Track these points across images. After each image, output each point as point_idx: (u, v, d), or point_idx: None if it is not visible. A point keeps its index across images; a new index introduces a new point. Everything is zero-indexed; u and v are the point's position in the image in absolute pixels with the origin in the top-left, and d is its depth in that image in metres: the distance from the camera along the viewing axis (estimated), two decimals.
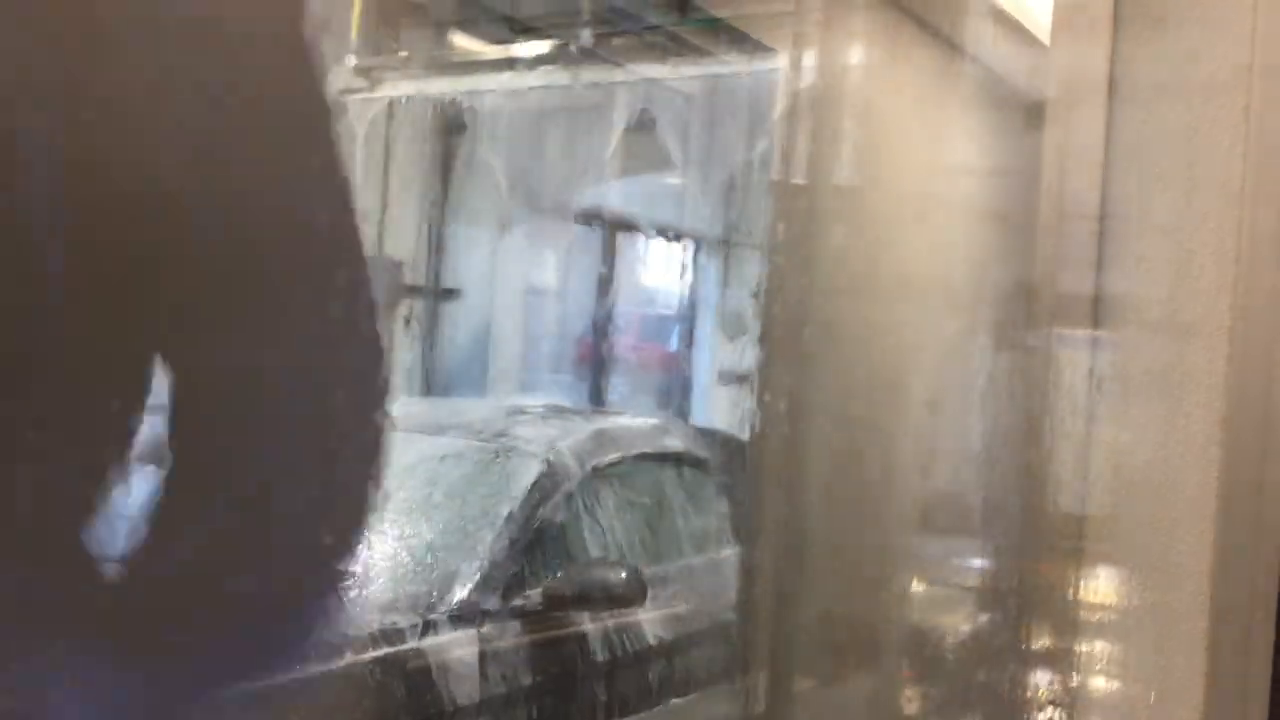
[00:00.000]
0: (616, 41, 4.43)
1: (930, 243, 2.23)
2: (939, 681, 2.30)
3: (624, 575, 3.28)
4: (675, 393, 7.82)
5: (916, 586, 2.21)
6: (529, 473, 3.41)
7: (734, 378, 7.14)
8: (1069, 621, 2.29)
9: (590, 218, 5.92)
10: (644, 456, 3.86)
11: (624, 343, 7.74)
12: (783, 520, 1.88)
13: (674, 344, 8.02)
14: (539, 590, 3.22)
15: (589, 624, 3.31)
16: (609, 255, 6.57)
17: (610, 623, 3.35)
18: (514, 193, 5.48)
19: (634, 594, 3.29)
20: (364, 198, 5.55)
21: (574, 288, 6.64)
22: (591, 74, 4.70)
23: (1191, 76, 1.72)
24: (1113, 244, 1.97)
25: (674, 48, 4.34)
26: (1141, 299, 1.75)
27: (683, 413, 7.55)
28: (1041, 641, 2.22)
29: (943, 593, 2.38)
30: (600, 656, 3.34)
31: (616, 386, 7.08)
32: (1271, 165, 1.26)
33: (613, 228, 6.25)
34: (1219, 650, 1.12)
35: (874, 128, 2.04)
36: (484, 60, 4.94)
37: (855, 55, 1.99)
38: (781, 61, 2.05)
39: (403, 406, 3.94)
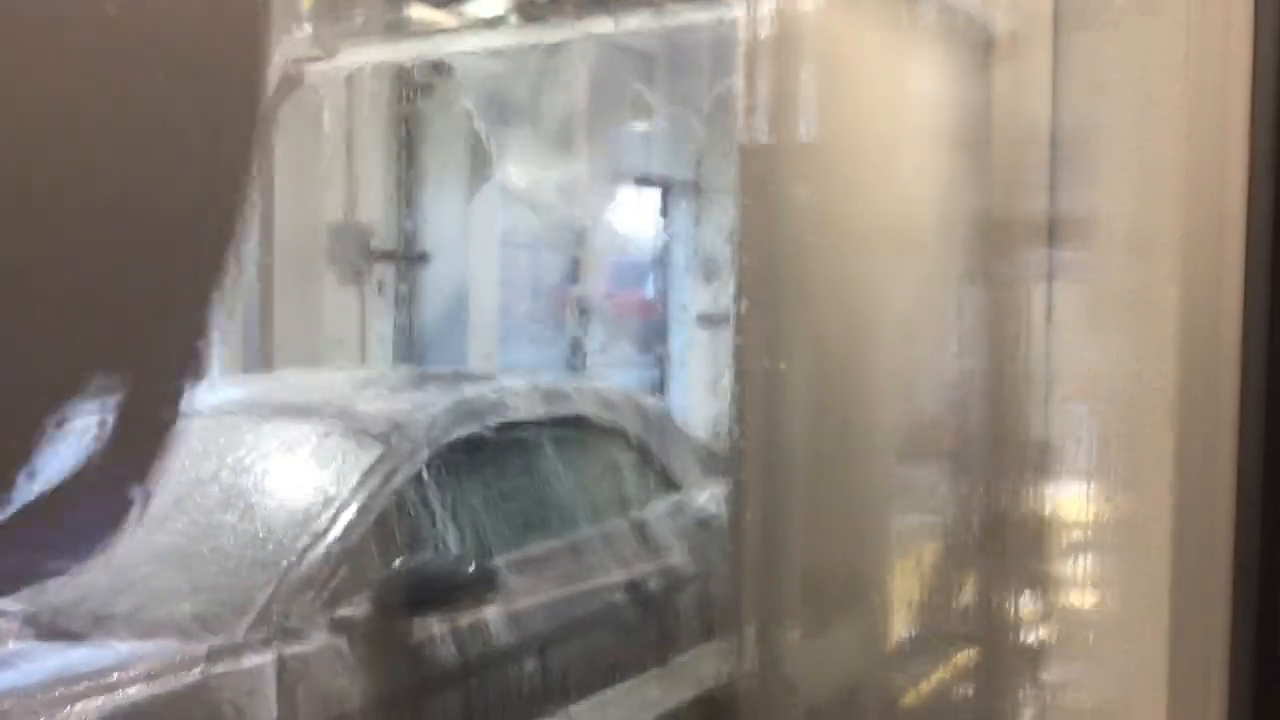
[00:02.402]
0: None
1: (896, 180, 2.27)
2: (923, 610, 2.37)
3: (470, 568, 2.89)
4: (653, 338, 7.86)
5: (900, 517, 2.28)
6: (365, 457, 2.94)
7: (712, 320, 7.18)
8: (1042, 538, 2.36)
9: (560, 169, 5.92)
10: (524, 425, 3.42)
11: (599, 291, 7.76)
12: (766, 465, 1.93)
13: (650, 289, 8.04)
14: (366, 595, 2.71)
15: (435, 628, 2.82)
16: (581, 205, 6.57)
17: (457, 624, 2.85)
18: (484, 151, 5.47)
19: (479, 589, 2.89)
20: (330, 166, 5.52)
21: (548, 240, 6.64)
22: (554, 29, 4.67)
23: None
24: (1070, 167, 2.00)
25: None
26: (1100, 218, 1.79)
27: (660, 358, 7.60)
28: (1016, 560, 2.30)
29: (923, 521, 2.44)
30: (446, 664, 2.84)
31: (594, 336, 7.11)
32: (1213, 85, 1.29)
33: (584, 178, 6.26)
34: (1182, 555, 1.18)
35: (834, 69, 2.07)
36: (445, 21, 4.91)
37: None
38: (740, 9, 2.07)
39: (236, 387, 3.47)
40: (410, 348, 5.96)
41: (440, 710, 2.83)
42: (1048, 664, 2.26)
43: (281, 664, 2.47)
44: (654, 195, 7.48)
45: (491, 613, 2.94)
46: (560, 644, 3.09)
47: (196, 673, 2.33)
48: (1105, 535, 1.49)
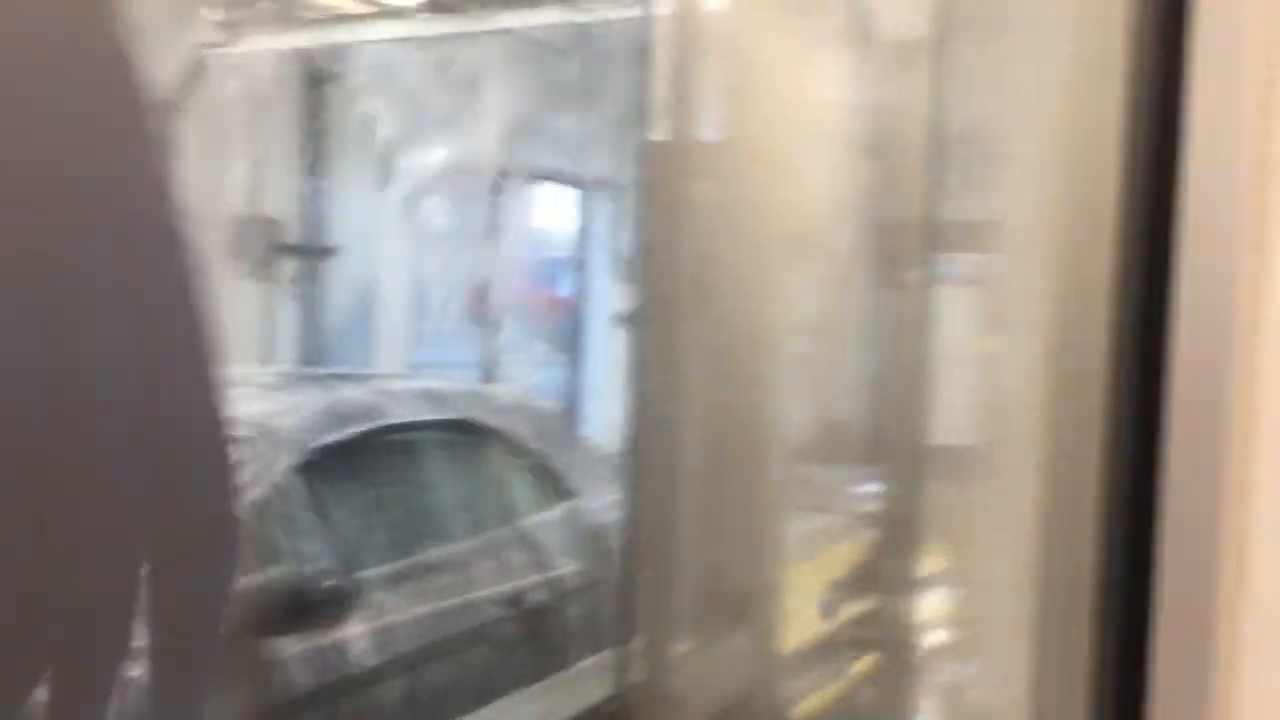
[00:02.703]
0: None
1: (800, 181, 2.23)
2: (819, 618, 2.34)
3: (329, 583, 2.75)
4: (570, 338, 7.79)
5: (798, 523, 2.24)
6: None
7: (627, 319, 7.12)
8: (936, 541, 2.34)
9: (472, 165, 5.82)
10: (403, 429, 3.29)
11: (516, 289, 7.67)
12: (660, 469, 1.88)
13: (567, 288, 7.97)
14: None
15: (290, 648, 2.66)
16: (495, 202, 6.47)
17: (316, 644, 2.70)
18: (391, 143, 5.36)
19: (340, 606, 2.74)
20: (234, 156, 5.35)
21: (460, 237, 6.54)
22: (466, 20, 4.58)
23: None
24: (986, 172, 1.98)
25: None
26: (1012, 224, 1.76)
27: (577, 359, 7.54)
28: (914, 563, 2.27)
29: (821, 526, 2.41)
30: (303, 686, 2.68)
31: (508, 335, 7.02)
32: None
33: (498, 174, 6.16)
34: (1049, 557, 1.17)
35: (740, 68, 2.02)
36: (354, 9, 4.78)
37: None
38: (647, 6, 2.01)
39: None
40: (316, 345, 5.82)
41: None
42: (945, 668, 2.24)
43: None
44: (571, 193, 7.41)
45: (355, 631, 2.78)
46: (433, 662, 2.96)
47: None
48: (985, 536, 1.47)
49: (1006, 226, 1.70)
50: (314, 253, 5.77)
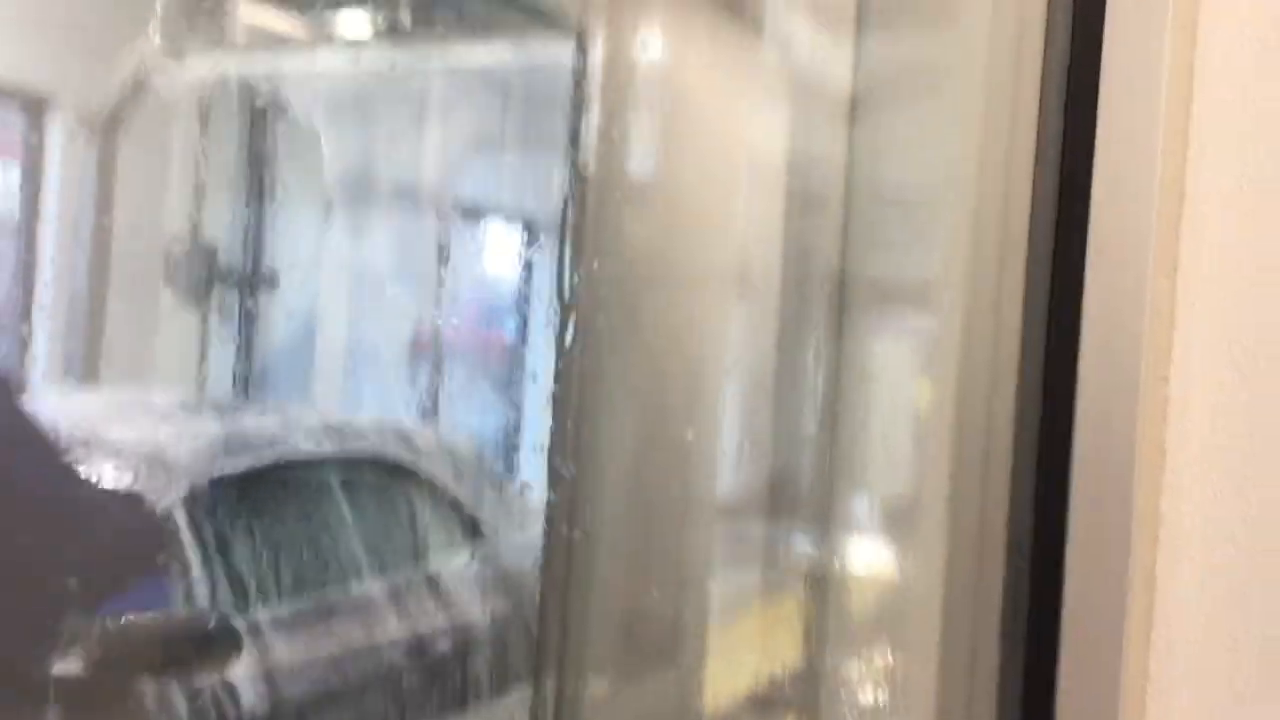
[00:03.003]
0: (435, 21, 4.32)
1: (736, 224, 2.23)
2: (741, 675, 2.30)
3: (211, 623, 2.65)
4: (514, 380, 7.73)
5: (717, 577, 2.21)
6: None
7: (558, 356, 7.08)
8: (863, 597, 2.31)
9: (418, 201, 5.79)
10: (307, 463, 3.20)
11: (460, 330, 7.61)
12: (581, 512, 1.84)
13: (510, 330, 7.92)
14: (85, 651, 2.35)
15: (166, 691, 2.50)
16: (441, 240, 6.44)
17: (196, 687, 2.57)
18: (336, 175, 5.31)
19: (222, 647, 2.63)
20: (175, 180, 5.28)
21: (404, 274, 6.48)
22: (414, 54, 4.57)
23: (989, 69, 1.74)
24: (915, 229, 1.99)
25: (489, 28, 4.25)
26: (951, 280, 1.77)
27: (518, 402, 7.48)
28: (840, 620, 2.25)
29: (744, 580, 2.38)
30: None
31: (450, 375, 6.95)
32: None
33: (442, 212, 6.13)
34: (951, 609, 1.15)
35: (673, 114, 2.02)
36: (300, 38, 4.76)
37: (652, 39, 1.96)
38: (577, 46, 2.01)
39: None
40: (251, 375, 5.71)
41: None
42: None
43: None
44: (516, 232, 7.39)
45: (241, 674, 2.69)
46: (329, 708, 2.85)
47: None
48: (905, 594, 1.46)
49: (930, 282, 1.70)
50: (253, 281, 5.69)
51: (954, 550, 1.13)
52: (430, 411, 6.76)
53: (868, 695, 2.37)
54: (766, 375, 2.32)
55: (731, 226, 2.10)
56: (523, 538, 3.56)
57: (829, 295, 2.34)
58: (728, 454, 2.27)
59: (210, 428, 3.10)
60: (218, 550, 2.81)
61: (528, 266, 7.51)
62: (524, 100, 5.12)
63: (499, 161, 5.76)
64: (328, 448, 3.31)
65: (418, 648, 3.15)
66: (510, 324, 7.75)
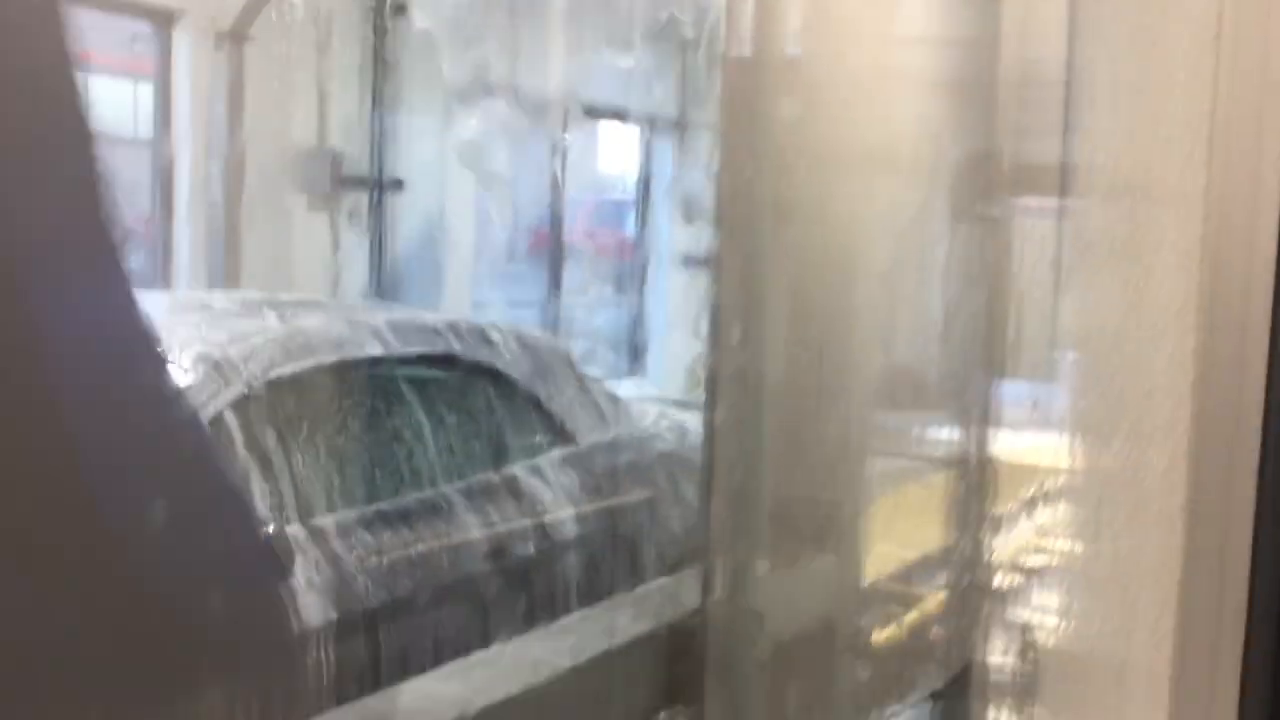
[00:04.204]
0: None
1: (886, 115, 2.15)
2: (902, 553, 2.30)
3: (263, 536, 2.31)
4: (633, 278, 7.74)
5: (878, 461, 2.19)
6: None
7: (692, 261, 7.05)
8: (1035, 488, 2.27)
9: (540, 101, 5.76)
10: (374, 363, 2.96)
11: (579, 229, 7.62)
12: (741, 402, 1.83)
13: (630, 229, 7.91)
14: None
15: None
16: (561, 139, 6.42)
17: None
18: (459, 77, 5.30)
19: (271, 561, 2.31)
20: (300, 88, 5.34)
21: (526, 174, 6.50)
22: None
23: None
24: (1077, 110, 1.90)
25: None
26: (1109, 165, 1.69)
27: (640, 299, 7.49)
28: (998, 503, 2.22)
29: (904, 465, 2.36)
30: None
31: (571, 275, 6.99)
32: (1246, 29, 1.19)
33: (565, 111, 6.10)
34: (1196, 520, 1.08)
35: None
36: None
37: None
38: None
39: None
40: (382, 279, 5.83)
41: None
42: (1029, 605, 2.19)
43: None
44: (636, 132, 7.32)
45: (302, 582, 2.47)
46: (399, 615, 2.68)
47: None
48: (1109, 490, 1.41)
49: (1091, 168, 1.61)
50: (380, 184, 5.76)
51: (1196, 449, 1.07)
52: (554, 309, 6.82)
53: (1017, 577, 2.35)
54: (929, 260, 2.26)
55: (883, 102, 2.03)
56: (616, 436, 3.48)
57: (987, 178, 2.26)
58: (885, 339, 2.23)
59: (268, 328, 2.86)
60: (272, 455, 2.63)
61: (652, 168, 7.45)
62: None
63: (621, 58, 5.68)
64: (395, 348, 3.05)
65: (493, 555, 2.95)
66: (633, 220, 7.74)
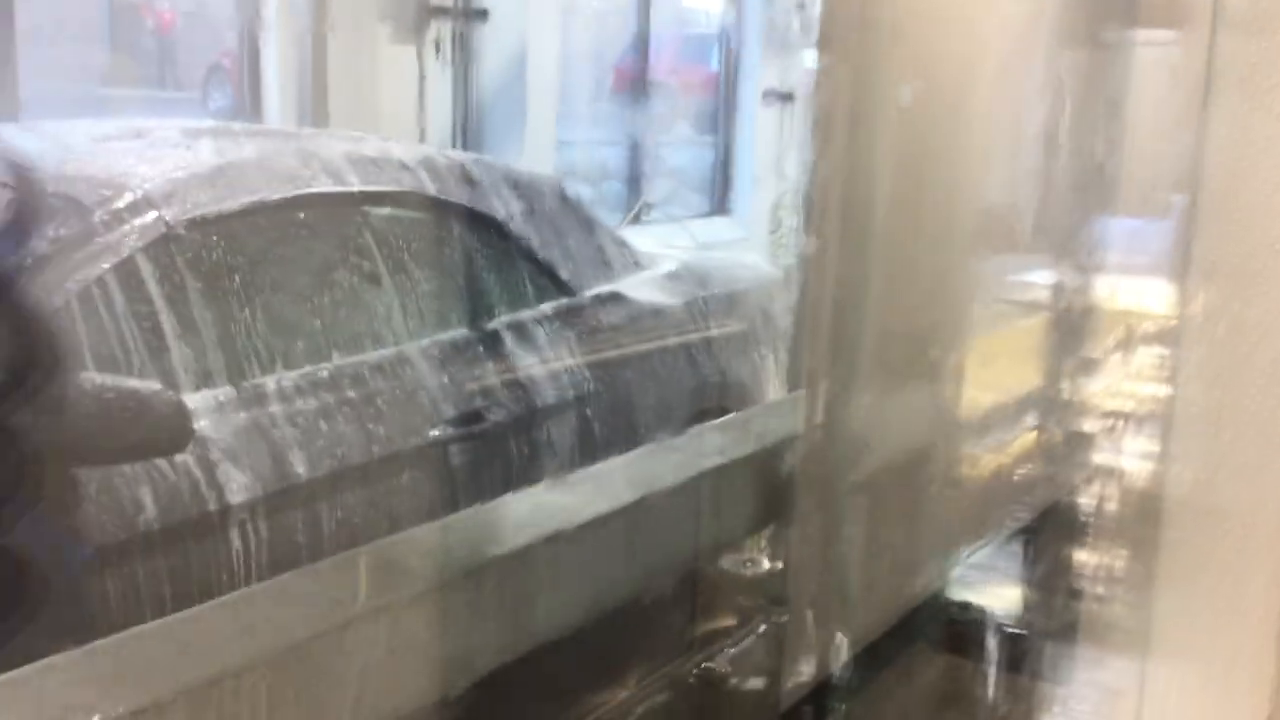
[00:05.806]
0: None
1: None
2: (997, 388, 2.29)
3: (159, 400, 2.04)
4: (717, 115, 7.59)
5: (977, 299, 2.17)
6: (52, 230, 2.12)
7: (777, 97, 6.87)
8: (1116, 329, 2.23)
9: None
10: (325, 200, 2.51)
11: (664, 65, 7.45)
12: (840, 231, 1.80)
13: (715, 64, 7.71)
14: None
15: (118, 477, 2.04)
16: None
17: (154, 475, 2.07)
18: None
19: (174, 429, 2.06)
20: None
21: (610, 6, 6.34)
22: None
23: None
24: None
25: None
26: None
27: (726, 138, 7.36)
28: (1103, 347, 2.18)
29: (1002, 306, 2.33)
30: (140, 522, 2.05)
31: (655, 110, 6.86)
32: None
33: None
34: None
35: None
36: None
37: None
38: None
39: None
40: (469, 114, 5.78)
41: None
42: (1119, 449, 2.19)
43: None
44: None
45: (200, 461, 2.14)
46: (330, 492, 2.36)
47: None
48: (1191, 328, 1.37)
49: None
50: (466, 15, 5.66)
51: None
52: (639, 152, 6.73)
53: (1108, 422, 2.33)
54: (1037, 90, 2.18)
55: None
56: (605, 284, 3.14)
57: (1103, 2, 2.15)
58: (988, 177, 2.17)
59: (200, 160, 2.44)
60: (201, 308, 2.28)
61: (747, 2, 7.21)
62: None
63: None
64: (355, 184, 2.62)
65: (462, 419, 2.64)
66: (727, 62, 7.55)
